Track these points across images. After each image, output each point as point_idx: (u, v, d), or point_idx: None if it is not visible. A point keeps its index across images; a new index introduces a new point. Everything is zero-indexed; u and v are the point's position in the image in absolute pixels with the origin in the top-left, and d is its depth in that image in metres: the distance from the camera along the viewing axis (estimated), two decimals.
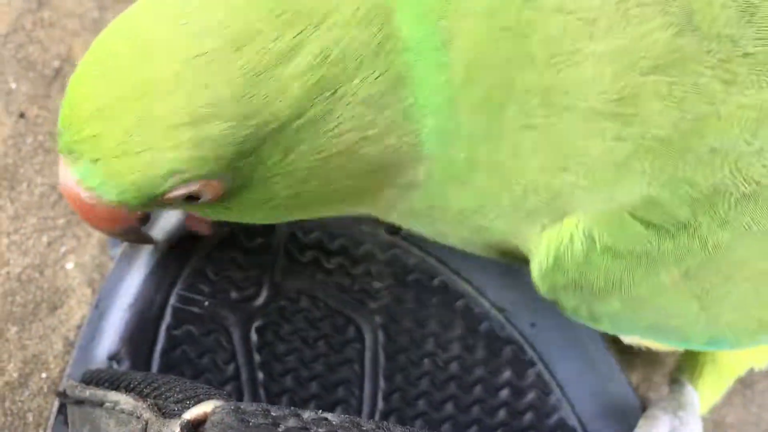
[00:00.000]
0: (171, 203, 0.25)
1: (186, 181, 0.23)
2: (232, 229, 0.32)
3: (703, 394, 0.35)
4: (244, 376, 0.32)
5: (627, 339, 0.32)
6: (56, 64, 0.38)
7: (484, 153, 0.25)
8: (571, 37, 0.24)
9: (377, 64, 0.24)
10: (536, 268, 0.27)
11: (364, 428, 0.21)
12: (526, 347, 0.34)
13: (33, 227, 0.36)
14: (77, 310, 0.35)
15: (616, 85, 0.24)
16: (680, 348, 0.33)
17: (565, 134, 0.24)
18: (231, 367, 0.32)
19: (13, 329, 0.34)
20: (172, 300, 0.32)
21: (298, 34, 0.23)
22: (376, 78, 0.24)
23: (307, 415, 0.21)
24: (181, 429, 0.22)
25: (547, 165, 0.25)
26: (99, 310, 0.31)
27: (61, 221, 0.36)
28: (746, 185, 0.24)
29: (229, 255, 0.32)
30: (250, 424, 0.21)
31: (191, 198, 0.24)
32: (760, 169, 0.24)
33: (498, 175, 0.25)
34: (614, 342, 0.36)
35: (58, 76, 0.38)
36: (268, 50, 0.23)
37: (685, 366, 0.35)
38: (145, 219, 0.28)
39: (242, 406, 0.21)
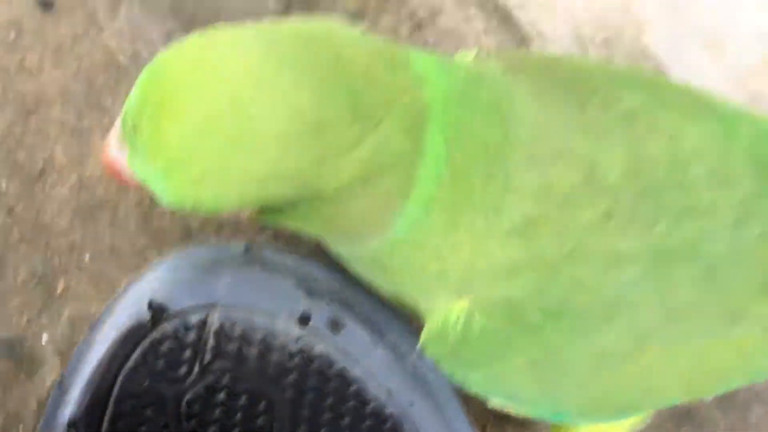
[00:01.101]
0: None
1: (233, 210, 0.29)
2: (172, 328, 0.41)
3: None
4: None
5: (493, 402, 0.39)
6: (40, 165, 0.47)
7: (430, 245, 0.31)
8: (514, 172, 0.31)
9: (403, 169, 0.29)
10: (426, 334, 0.34)
11: None
12: (405, 423, 0.42)
13: (15, 308, 0.44)
14: (49, 376, 0.44)
15: (532, 209, 0.31)
16: (536, 416, 0.40)
17: (488, 241, 0.31)
18: None
19: None
20: (121, 378, 0.40)
21: (362, 130, 0.28)
22: (397, 180, 0.29)
23: None
24: None
25: (467, 260, 0.32)
26: (62, 388, 0.40)
27: (38, 302, 0.45)
28: (578, 312, 0.32)
29: (168, 346, 0.41)
30: None
31: None
32: (591, 303, 0.32)
33: (433, 259, 0.32)
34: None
35: (41, 176, 0.46)
36: (336, 140, 0.27)
37: None
38: None
39: None
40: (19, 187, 0.46)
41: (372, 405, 0.43)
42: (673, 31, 0.50)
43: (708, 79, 0.50)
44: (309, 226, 0.33)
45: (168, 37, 0.49)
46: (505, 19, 0.53)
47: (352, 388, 0.43)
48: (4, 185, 0.46)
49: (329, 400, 0.43)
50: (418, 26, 0.53)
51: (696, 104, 0.35)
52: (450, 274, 0.32)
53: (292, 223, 0.33)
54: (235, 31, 0.29)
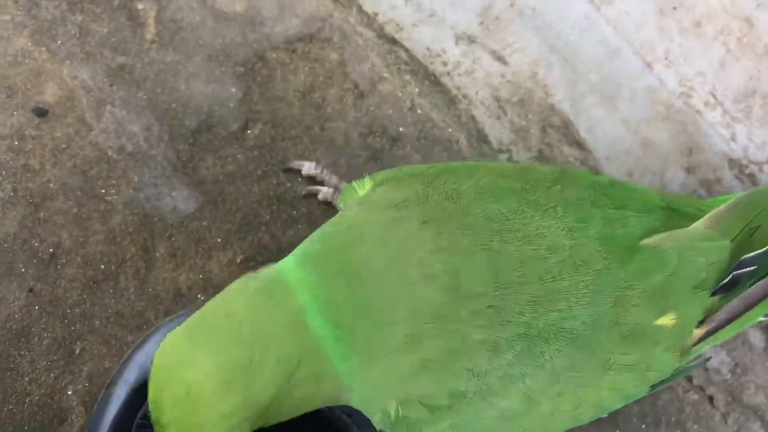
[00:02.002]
0: None
1: None
2: None
3: None
4: None
5: None
6: (51, 250, 0.56)
7: (357, 386, 0.42)
8: (385, 307, 0.41)
9: (310, 362, 0.40)
10: (377, 423, 0.44)
11: None
12: None
13: (44, 367, 0.54)
14: (76, 421, 0.54)
15: (410, 329, 0.41)
16: None
17: (389, 359, 0.41)
18: None
19: None
20: (135, 425, 0.50)
21: (261, 353, 0.39)
22: (310, 369, 0.40)
23: None
24: None
25: (377, 374, 0.42)
26: None
27: (62, 363, 0.54)
28: (476, 390, 0.41)
29: None
30: None
31: None
32: (485, 383, 0.41)
33: (370, 387, 0.42)
34: None
35: (53, 259, 0.55)
36: (249, 372, 0.39)
37: None
38: None
39: None
40: (36, 270, 0.55)
41: (337, 424, 0.53)
42: (574, 91, 0.59)
43: (605, 128, 0.59)
44: (299, 411, 0.44)
45: (147, 130, 0.58)
46: (436, 84, 0.61)
47: (321, 412, 0.53)
48: (23, 269, 0.55)
49: (309, 422, 0.53)
50: (361, 95, 0.61)
51: (559, 199, 0.44)
52: (380, 391, 0.42)
53: (287, 416, 0.43)
54: (171, 339, 0.41)
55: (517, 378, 0.41)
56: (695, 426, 0.58)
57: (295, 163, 0.58)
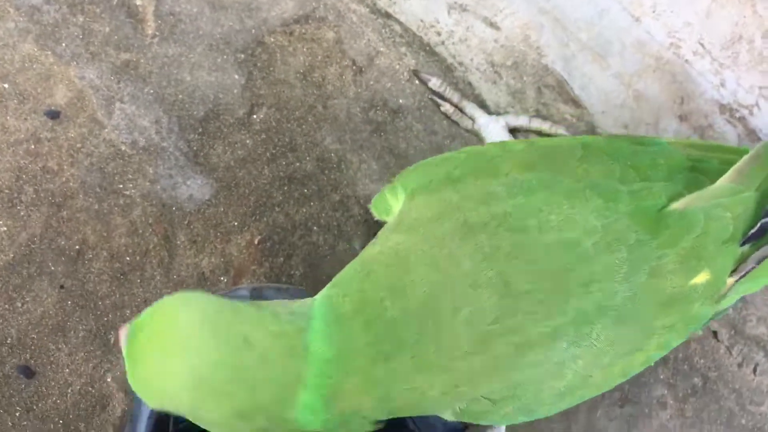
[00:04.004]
0: None
1: None
2: None
3: None
4: None
5: None
6: (77, 247, 0.58)
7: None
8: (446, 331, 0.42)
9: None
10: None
11: None
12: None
13: (82, 358, 0.56)
14: (118, 407, 0.56)
15: (475, 334, 0.42)
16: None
17: (456, 365, 0.42)
18: None
19: (82, 425, 0.56)
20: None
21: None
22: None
23: None
24: None
25: (440, 380, 0.43)
26: (133, 422, 0.52)
27: (99, 353, 0.57)
28: (534, 380, 0.43)
29: None
30: None
31: None
32: (543, 371, 0.43)
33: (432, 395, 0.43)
34: None
35: (80, 255, 0.58)
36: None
37: None
38: None
39: None
40: (65, 267, 0.58)
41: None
42: (566, 51, 0.60)
43: (599, 84, 0.61)
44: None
45: (157, 123, 0.59)
46: (431, 54, 0.63)
47: None
48: (52, 267, 0.57)
49: None
50: (360, 70, 0.62)
51: (586, 182, 0.45)
52: (448, 395, 0.43)
53: None
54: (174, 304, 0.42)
55: (571, 360, 0.43)
56: (702, 360, 0.61)
57: (424, 75, 0.63)
